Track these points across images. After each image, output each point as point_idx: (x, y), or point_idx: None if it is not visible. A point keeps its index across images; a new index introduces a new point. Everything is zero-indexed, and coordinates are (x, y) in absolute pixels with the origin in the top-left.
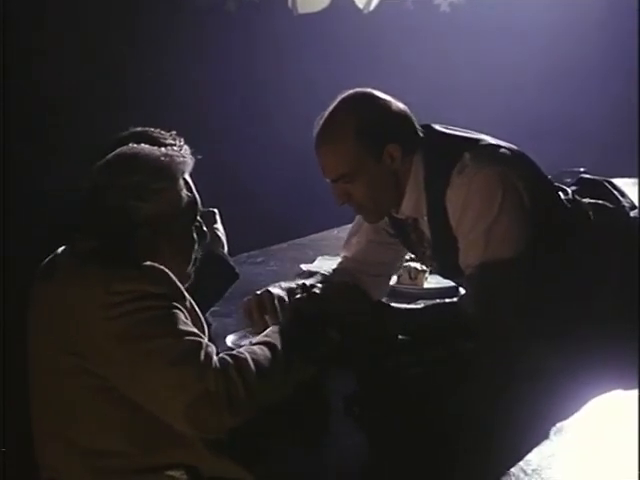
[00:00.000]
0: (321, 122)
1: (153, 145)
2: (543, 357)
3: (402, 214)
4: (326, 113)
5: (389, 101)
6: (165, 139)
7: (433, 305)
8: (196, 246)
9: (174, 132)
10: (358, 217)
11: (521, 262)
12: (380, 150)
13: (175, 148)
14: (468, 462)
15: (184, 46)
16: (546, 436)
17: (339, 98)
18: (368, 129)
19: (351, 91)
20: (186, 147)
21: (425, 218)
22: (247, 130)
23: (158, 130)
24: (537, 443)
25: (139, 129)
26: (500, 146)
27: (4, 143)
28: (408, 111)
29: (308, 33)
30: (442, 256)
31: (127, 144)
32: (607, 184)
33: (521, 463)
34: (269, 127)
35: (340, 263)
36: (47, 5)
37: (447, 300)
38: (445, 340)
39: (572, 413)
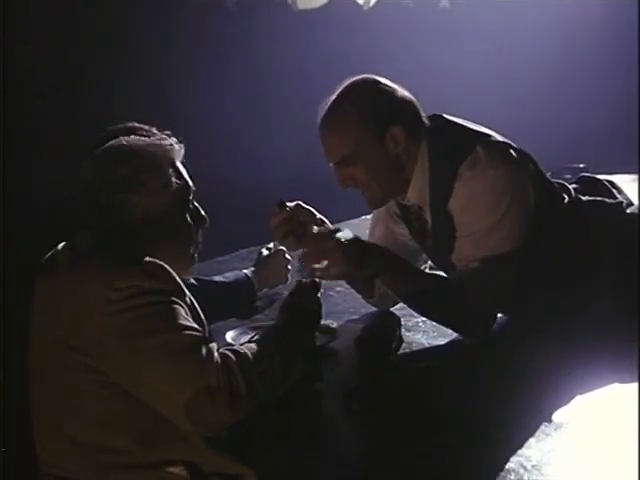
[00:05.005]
0: (325, 107)
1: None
2: (542, 352)
3: (407, 201)
4: (331, 98)
5: (393, 86)
6: (154, 136)
7: (436, 274)
8: (194, 230)
9: (167, 131)
10: (375, 211)
11: (513, 262)
12: (383, 132)
13: (163, 136)
14: (468, 458)
15: (183, 43)
16: (546, 432)
17: (344, 84)
18: (371, 111)
19: (356, 77)
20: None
21: (428, 207)
22: (246, 127)
23: (148, 127)
24: (537, 439)
25: (128, 124)
26: (509, 144)
27: (4, 139)
28: (413, 98)
29: (307, 29)
30: (442, 246)
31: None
32: (606, 182)
33: (521, 459)
34: (268, 125)
35: None
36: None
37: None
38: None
39: (571, 408)
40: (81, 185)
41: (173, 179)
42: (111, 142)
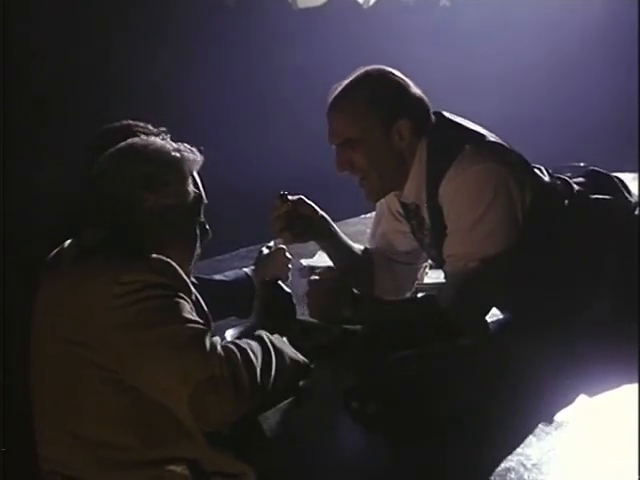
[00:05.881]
0: (337, 89)
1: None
2: (542, 352)
3: (405, 199)
4: (343, 82)
5: (406, 81)
6: (151, 133)
7: (411, 299)
8: (198, 242)
9: (163, 128)
10: (377, 209)
11: (500, 261)
12: (390, 123)
13: (186, 145)
14: (468, 457)
15: (183, 41)
16: (546, 431)
17: (358, 71)
18: (381, 100)
19: (371, 66)
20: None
21: (425, 205)
22: (245, 127)
23: (144, 124)
24: (537, 438)
25: (124, 122)
26: (500, 144)
27: (4, 139)
28: (424, 96)
29: (308, 28)
30: (439, 244)
31: (113, 136)
32: (616, 179)
33: (521, 458)
34: (268, 124)
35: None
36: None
37: (426, 294)
38: (416, 337)
39: (572, 408)
40: (96, 175)
41: (191, 187)
42: (137, 139)
